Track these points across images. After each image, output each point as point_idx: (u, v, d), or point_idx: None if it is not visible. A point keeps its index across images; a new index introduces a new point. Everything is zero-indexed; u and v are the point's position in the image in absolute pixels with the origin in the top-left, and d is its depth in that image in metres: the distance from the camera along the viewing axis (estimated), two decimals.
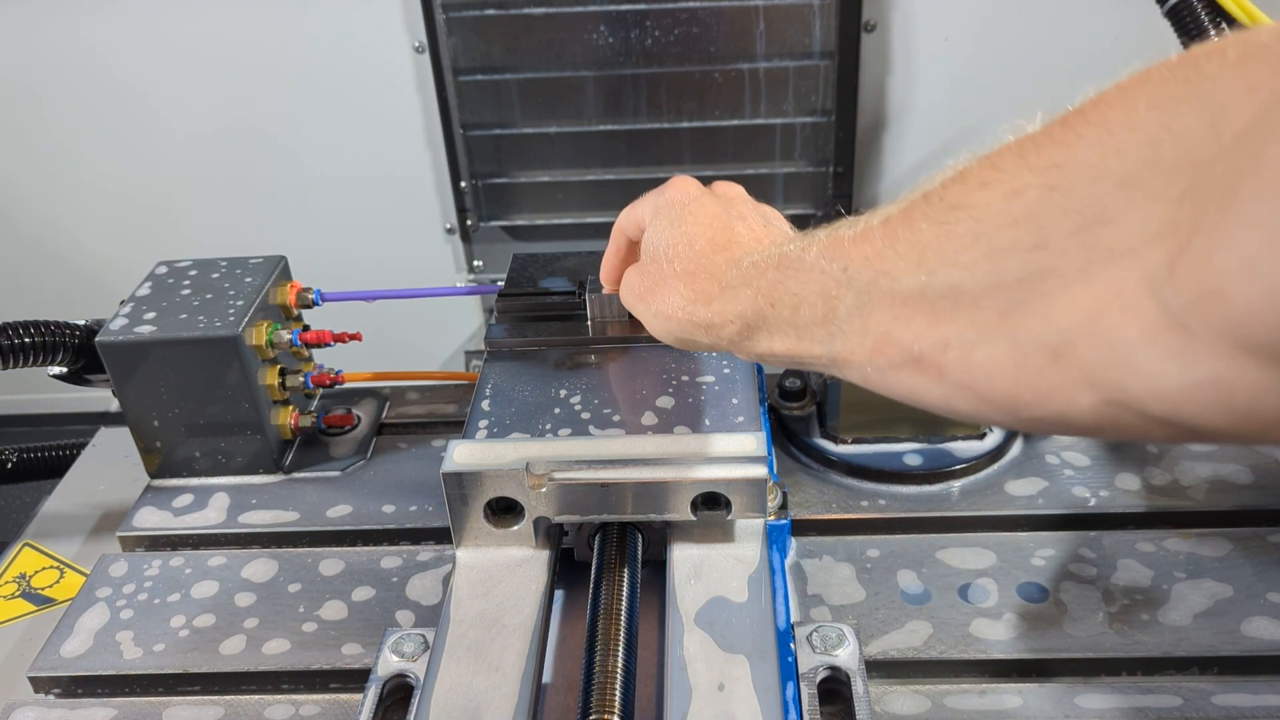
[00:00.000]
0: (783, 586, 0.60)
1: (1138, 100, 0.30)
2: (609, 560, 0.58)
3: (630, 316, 0.71)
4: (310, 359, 0.81)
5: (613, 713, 0.48)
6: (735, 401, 0.64)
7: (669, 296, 0.52)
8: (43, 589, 0.72)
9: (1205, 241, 0.27)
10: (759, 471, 0.56)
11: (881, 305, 0.39)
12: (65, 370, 0.76)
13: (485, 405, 0.65)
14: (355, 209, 1.80)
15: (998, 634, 0.60)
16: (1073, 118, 0.32)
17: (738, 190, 0.59)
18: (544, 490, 0.57)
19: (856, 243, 0.40)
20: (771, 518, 0.61)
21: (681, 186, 0.58)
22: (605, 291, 0.70)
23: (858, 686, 0.53)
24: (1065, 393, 0.33)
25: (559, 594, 0.62)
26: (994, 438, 0.73)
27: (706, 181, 0.59)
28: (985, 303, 0.34)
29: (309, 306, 0.79)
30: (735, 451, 0.57)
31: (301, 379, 0.77)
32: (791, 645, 0.55)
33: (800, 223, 0.61)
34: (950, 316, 0.36)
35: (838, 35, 1.54)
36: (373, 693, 0.54)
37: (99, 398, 0.84)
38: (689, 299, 0.51)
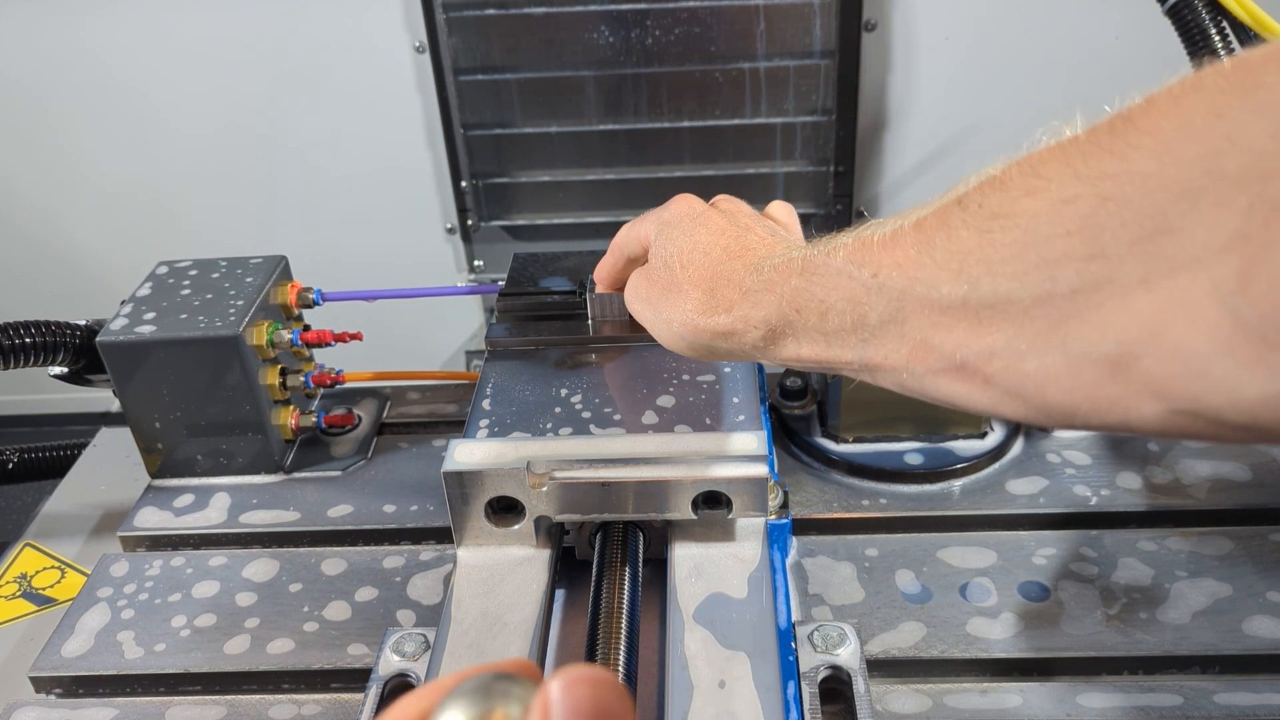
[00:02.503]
0: (784, 585, 0.60)
1: (1194, 109, 0.30)
2: (610, 559, 0.58)
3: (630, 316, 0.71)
4: (311, 359, 0.81)
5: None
6: (736, 400, 0.64)
7: (682, 303, 0.51)
8: (44, 589, 0.72)
9: (1279, 253, 0.27)
10: (760, 470, 0.56)
11: (918, 313, 0.38)
12: (66, 370, 0.76)
13: (486, 405, 0.65)
14: (356, 209, 1.80)
15: (999, 633, 0.60)
16: (1122, 126, 0.31)
17: (741, 203, 0.58)
18: (545, 489, 0.57)
19: (886, 247, 0.39)
20: (772, 517, 0.61)
21: (687, 202, 0.57)
22: (599, 290, 0.70)
23: (859, 686, 0.53)
24: (1126, 403, 0.32)
25: (560, 593, 0.62)
26: (995, 437, 0.73)
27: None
28: (1035, 313, 0.34)
29: (310, 306, 0.79)
30: (736, 450, 0.57)
31: (302, 379, 0.77)
32: (792, 644, 0.55)
33: (801, 221, 0.61)
34: (997, 326, 0.35)
35: (838, 34, 1.54)
36: (374, 692, 0.54)
37: (100, 398, 0.84)
38: (707, 306, 0.49)
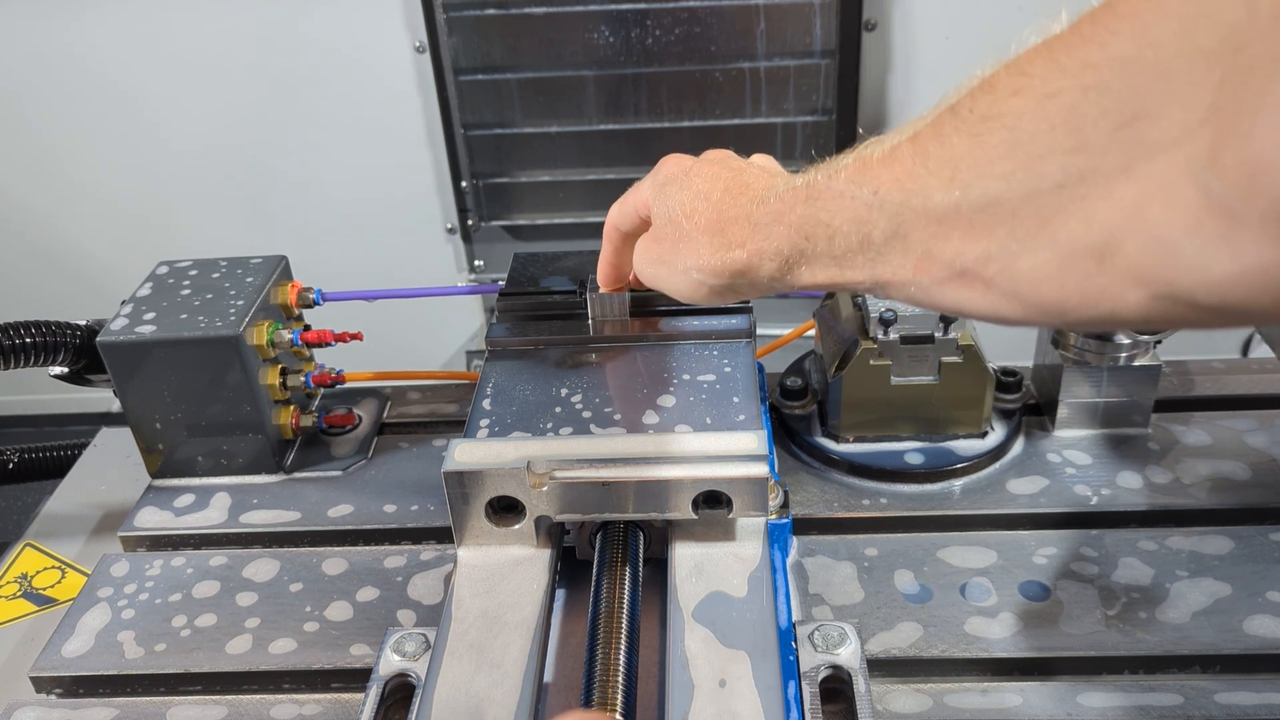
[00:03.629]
0: (784, 585, 0.60)
1: None
2: (610, 559, 0.58)
3: (631, 316, 0.71)
4: (311, 359, 0.81)
5: (614, 711, 0.48)
6: (736, 400, 0.64)
7: (696, 250, 0.51)
8: (44, 589, 0.72)
9: (1247, 123, 0.27)
10: (760, 470, 0.56)
11: (917, 225, 0.38)
12: (66, 370, 0.76)
13: (486, 404, 0.65)
14: (356, 209, 1.80)
15: (999, 633, 0.60)
16: (1103, 13, 0.32)
17: (726, 151, 0.59)
18: (545, 489, 0.57)
19: (885, 163, 0.39)
20: (773, 516, 0.61)
21: (676, 160, 0.58)
22: (604, 292, 0.70)
23: (859, 685, 0.53)
24: (1112, 292, 0.33)
25: (560, 593, 0.62)
26: (995, 436, 0.73)
27: None
28: (1023, 212, 0.34)
29: (310, 306, 0.79)
30: (736, 450, 0.57)
31: (302, 379, 0.77)
32: (793, 644, 0.55)
33: None
34: (989, 230, 0.36)
35: (838, 34, 1.54)
36: (374, 692, 0.54)
37: (100, 398, 0.84)
38: (720, 246, 0.50)
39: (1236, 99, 0.28)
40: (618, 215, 0.63)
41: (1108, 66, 0.31)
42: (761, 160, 0.61)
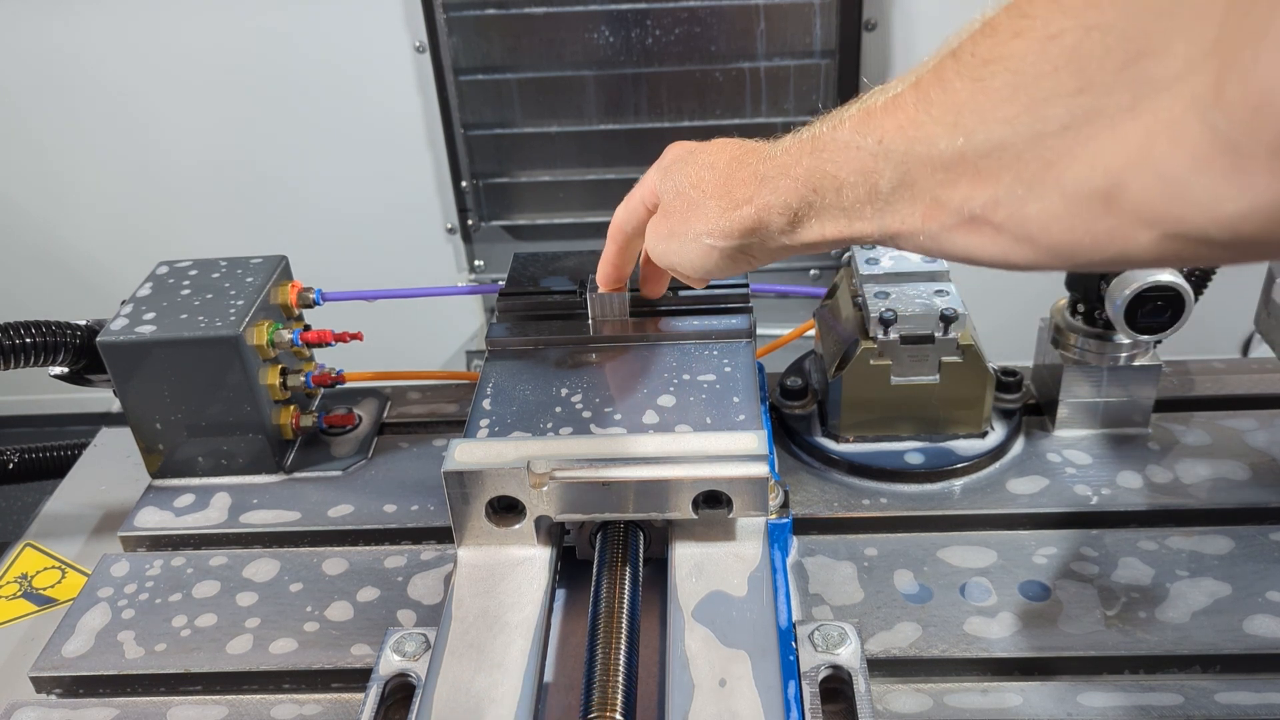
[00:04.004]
0: (784, 585, 0.60)
1: None
2: (610, 559, 0.58)
3: (631, 315, 0.71)
4: (311, 358, 0.81)
5: (614, 711, 0.48)
6: (736, 400, 0.64)
7: (704, 214, 0.51)
8: (44, 589, 0.72)
9: (1250, 55, 0.27)
10: (760, 470, 0.56)
11: (924, 173, 0.38)
12: (66, 370, 0.76)
13: (486, 404, 0.65)
14: (356, 209, 1.80)
15: (999, 632, 0.60)
16: None
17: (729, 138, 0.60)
18: (545, 489, 0.57)
19: (889, 112, 0.39)
20: (773, 516, 0.61)
21: (680, 144, 0.59)
22: (603, 292, 0.70)
23: (859, 685, 0.53)
24: (1122, 233, 0.33)
25: (560, 592, 0.62)
26: (995, 436, 0.73)
27: None
28: (1029, 156, 0.34)
29: (310, 306, 0.79)
30: (736, 450, 0.57)
31: (303, 378, 0.77)
32: (793, 644, 0.55)
33: None
34: (995, 175, 0.35)
35: (838, 34, 1.54)
36: (374, 692, 0.54)
37: (100, 398, 0.84)
38: (728, 206, 0.50)
39: (1240, 31, 0.27)
40: (623, 214, 0.63)
41: (1110, 5, 0.31)
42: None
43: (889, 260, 0.73)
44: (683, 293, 0.73)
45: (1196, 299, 0.69)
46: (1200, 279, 0.75)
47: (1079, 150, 0.32)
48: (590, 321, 0.72)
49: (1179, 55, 0.29)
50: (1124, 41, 0.30)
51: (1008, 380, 0.75)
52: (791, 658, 0.54)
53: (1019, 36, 0.34)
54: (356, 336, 0.79)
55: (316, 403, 0.83)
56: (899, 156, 0.39)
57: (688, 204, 0.53)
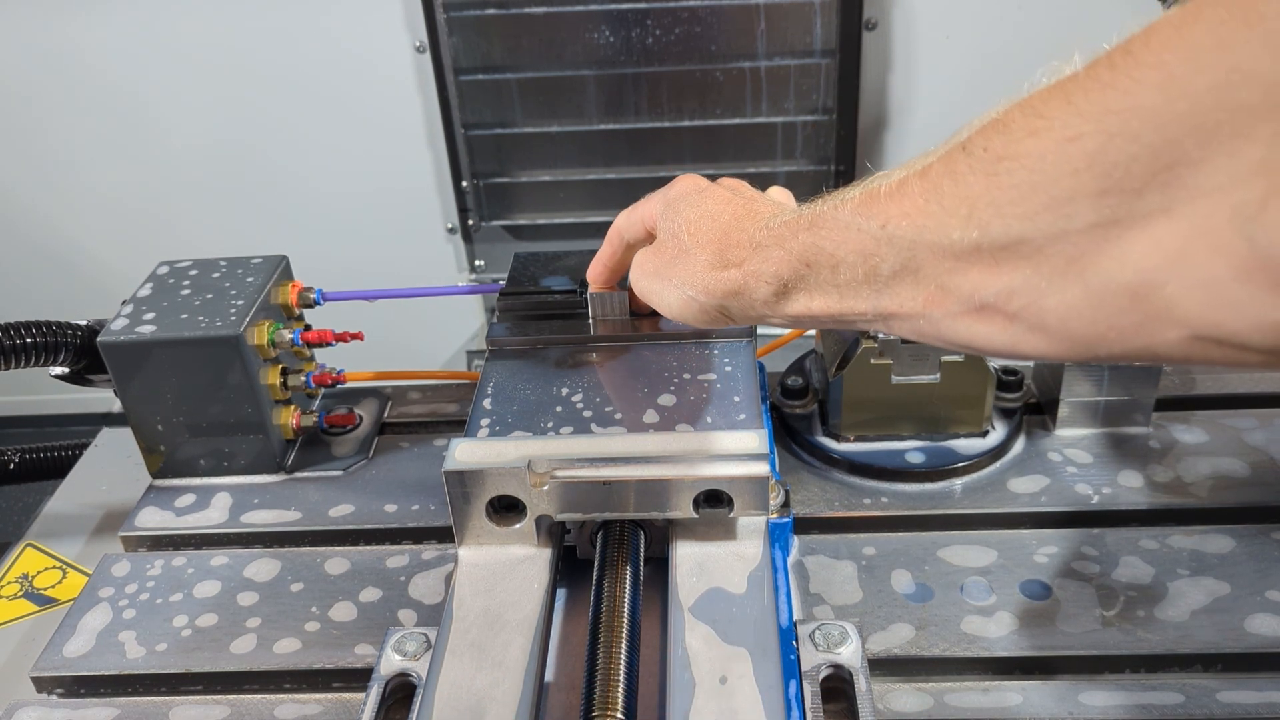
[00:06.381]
0: (785, 584, 0.60)
1: (1198, 41, 0.29)
2: (611, 558, 0.58)
3: (631, 314, 0.71)
4: (312, 358, 0.81)
5: (615, 710, 0.48)
6: (737, 399, 0.64)
7: (692, 265, 0.51)
8: (45, 589, 0.72)
9: None
10: (761, 469, 0.56)
11: (931, 260, 0.38)
12: (67, 370, 0.76)
13: (487, 404, 0.65)
14: (357, 209, 1.80)
15: (1000, 631, 0.60)
16: (1122, 60, 0.31)
17: (742, 181, 0.59)
18: (546, 488, 0.57)
19: (893, 198, 0.39)
20: (774, 515, 0.61)
21: (691, 180, 0.58)
22: (592, 290, 0.70)
23: (860, 684, 0.53)
24: (1150, 329, 0.33)
25: (561, 592, 0.62)
26: (996, 435, 0.73)
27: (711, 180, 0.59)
28: (1051, 250, 0.34)
29: (310, 306, 0.79)
30: (737, 449, 0.57)
31: (303, 378, 0.77)
32: (794, 643, 0.55)
33: None
34: (1013, 266, 0.35)
35: (839, 33, 1.54)
36: (375, 692, 0.54)
37: (101, 398, 0.84)
38: (717, 264, 0.50)
39: None
40: (624, 223, 0.63)
41: (1134, 115, 0.31)
42: (777, 193, 0.61)
43: None
44: None
45: None
46: None
47: (1107, 248, 0.32)
48: (591, 321, 0.72)
49: (1221, 168, 0.29)
50: (1153, 151, 0.30)
51: (1008, 379, 0.75)
52: (792, 657, 0.54)
53: (1034, 136, 0.33)
54: (357, 336, 0.79)
55: (317, 403, 0.83)
56: (905, 243, 0.38)
57: (679, 249, 0.53)
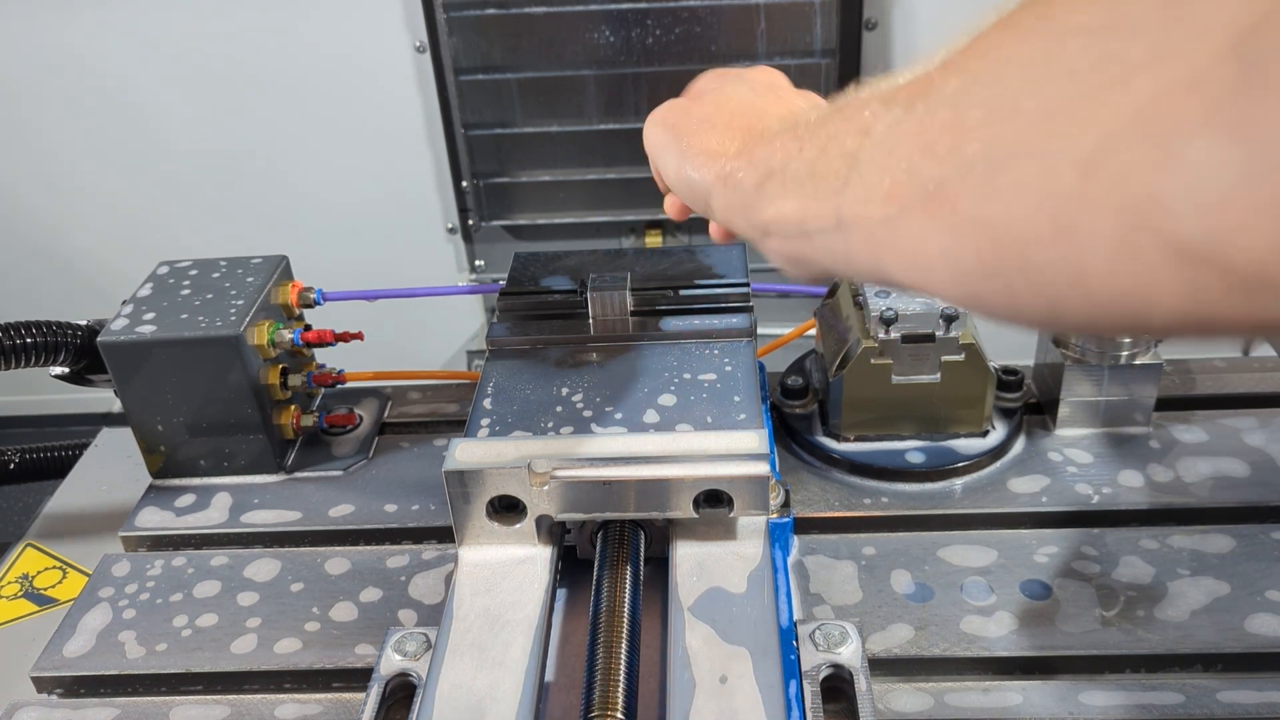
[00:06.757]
0: (785, 584, 0.60)
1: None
2: (611, 558, 0.58)
3: (632, 314, 0.71)
4: (312, 358, 0.81)
5: (616, 710, 0.48)
6: (737, 399, 0.64)
7: (706, 140, 0.51)
8: (45, 589, 0.72)
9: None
10: (761, 469, 0.56)
11: (910, 133, 0.35)
12: (67, 370, 0.76)
13: (487, 404, 0.65)
14: (357, 209, 1.80)
15: (1000, 631, 0.60)
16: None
17: (780, 74, 0.63)
18: (546, 488, 0.57)
19: (907, 86, 0.37)
20: (774, 515, 0.61)
21: (762, 70, 0.63)
22: (603, 291, 0.70)
23: (861, 684, 0.53)
24: (1088, 221, 0.28)
25: (561, 592, 0.62)
26: (996, 435, 0.73)
27: None
28: (1027, 105, 0.31)
29: (310, 306, 0.79)
30: (737, 449, 0.57)
31: (303, 378, 0.77)
32: (794, 643, 0.55)
33: None
34: (981, 132, 0.32)
35: (839, 34, 1.54)
36: (375, 692, 0.54)
37: (101, 398, 0.84)
38: (728, 149, 0.49)
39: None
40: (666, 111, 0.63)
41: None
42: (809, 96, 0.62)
43: None
44: (683, 292, 0.73)
45: None
46: None
47: (1084, 103, 0.29)
48: (591, 321, 0.72)
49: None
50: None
51: (1009, 379, 0.75)
52: (792, 656, 0.54)
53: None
54: (357, 336, 0.79)
55: (317, 402, 0.83)
56: (898, 115, 0.37)
57: (705, 119, 0.54)
